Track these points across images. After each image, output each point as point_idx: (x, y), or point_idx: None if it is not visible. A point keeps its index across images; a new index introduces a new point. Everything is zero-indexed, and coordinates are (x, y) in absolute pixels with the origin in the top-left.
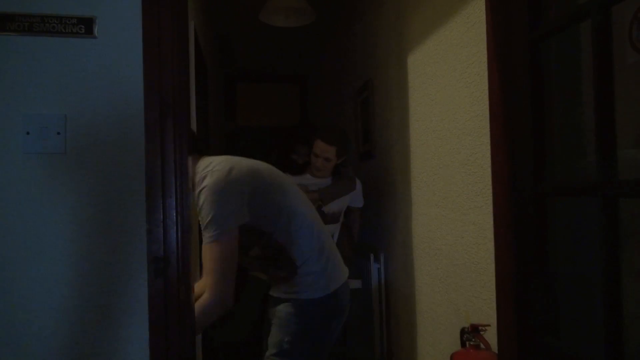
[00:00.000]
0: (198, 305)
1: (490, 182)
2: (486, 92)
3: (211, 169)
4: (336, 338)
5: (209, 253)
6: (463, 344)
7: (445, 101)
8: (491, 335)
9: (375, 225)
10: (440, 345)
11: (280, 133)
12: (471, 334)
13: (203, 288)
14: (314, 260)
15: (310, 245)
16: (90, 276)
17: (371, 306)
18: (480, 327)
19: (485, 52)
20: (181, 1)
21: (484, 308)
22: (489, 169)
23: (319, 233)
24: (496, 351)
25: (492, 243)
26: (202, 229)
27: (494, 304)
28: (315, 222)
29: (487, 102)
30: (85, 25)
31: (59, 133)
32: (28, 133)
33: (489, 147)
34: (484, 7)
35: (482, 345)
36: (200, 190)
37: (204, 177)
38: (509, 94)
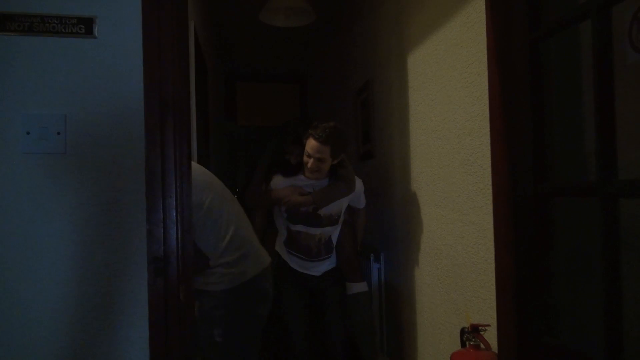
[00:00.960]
0: None
1: (490, 182)
2: (486, 92)
3: None
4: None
5: None
6: (463, 344)
7: (445, 101)
8: (491, 335)
9: (375, 225)
10: (440, 345)
11: (274, 130)
12: (471, 334)
13: None
14: (224, 252)
15: (218, 238)
16: (90, 276)
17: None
18: (480, 327)
19: (485, 52)
20: (181, 1)
21: (484, 308)
22: (489, 169)
23: (229, 223)
24: (496, 351)
25: (492, 243)
26: None
27: (494, 304)
28: (224, 214)
29: (487, 102)
30: (85, 25)
31: (59, 133)
32: (28, 133)
33: (489, 147)
34: (483, 7)
35: (482, 345)
36: None
37: None
38: (509, 94)
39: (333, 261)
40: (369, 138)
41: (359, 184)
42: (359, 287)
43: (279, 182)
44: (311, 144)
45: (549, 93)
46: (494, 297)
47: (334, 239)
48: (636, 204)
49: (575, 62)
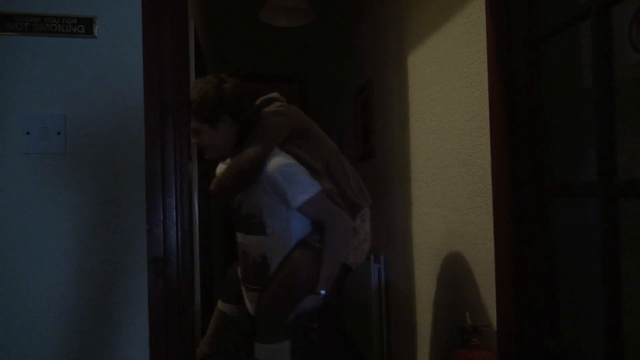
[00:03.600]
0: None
1: (490, 182)
2: (486, 92)
3: None
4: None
5: None
6: (463, 344)
7: (445, 101)
8: (491, 335)
9: (375, 225)
10: (440, 345)
11: None
12: (471, 334)
13: None
14: None
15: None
16: (90, 276)
17: (371, 306)
18: (480, 327)
19: (485, 52)
20: (181, 1)
21: (484, 308)
22: (489, 169)
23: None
24: (496, 351)
25: (492, 243)
26: None
27: (494, 304)
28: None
29: (487, 102)
30: (85, 25)
31: (59, 133)
32: (28, 133)
33: (489, 147)
34: (483, 7)
35: (482, 345)
36: None
37: None
38: (508, 94)
39: None
40: (369, 138)
41: (277, 159)
42: (262, 351)
43: (218, 168)
44: None
45: (548, 93)
46: (494, 297)
47: (273, 263)
48: (636, 204)
49: (575, 62)
